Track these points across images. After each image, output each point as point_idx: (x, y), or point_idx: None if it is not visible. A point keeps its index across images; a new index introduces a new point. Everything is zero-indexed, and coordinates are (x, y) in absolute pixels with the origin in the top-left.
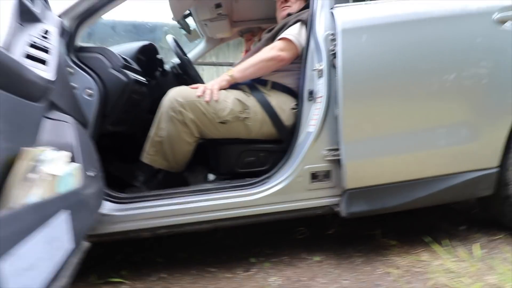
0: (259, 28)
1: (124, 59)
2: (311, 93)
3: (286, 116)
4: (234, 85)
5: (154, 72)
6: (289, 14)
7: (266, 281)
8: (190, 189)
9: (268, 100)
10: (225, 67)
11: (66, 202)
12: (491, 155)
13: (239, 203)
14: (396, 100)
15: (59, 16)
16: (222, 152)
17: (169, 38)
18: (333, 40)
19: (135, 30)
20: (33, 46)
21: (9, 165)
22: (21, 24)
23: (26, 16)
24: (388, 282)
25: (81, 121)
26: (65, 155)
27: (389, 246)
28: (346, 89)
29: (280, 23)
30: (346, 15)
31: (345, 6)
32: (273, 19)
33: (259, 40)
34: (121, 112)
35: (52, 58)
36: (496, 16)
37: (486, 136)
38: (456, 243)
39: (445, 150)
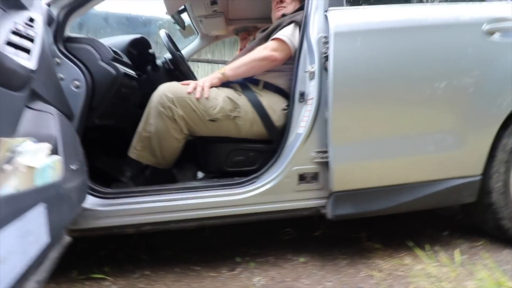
0: (254, 27)
1: (114, 51)
2: (302, 94)
3: (276, 116)
4: (226, 83)
5: (145, 67)
6: (283, 15)
7: (250, 281)
8: (177, 186)
9: (259, 100)
10: (220, 65)
11: (43, 195)
12: (475, 163)
13: (226, 202)
14: (385, 106)
15: (48, 5)
16: (211, 150)
17: (162, 33)
18: (326, 43)
19: (128, 23)
20: (16, 33)
21: None
22: (4, 11)
23: (10, 2)
24: (370, 285)
25: (66, 113)
26: (45, 147)
27: (374, 249)
28: (336, 92)
29: (275, 23)
30: (340, 18)
31: (339, 9)
32: (268, 19)
33: (254, 39)
34: (109, 106)
35: (35, 47)
36: (485, 27)
37: (471, 144)
38: (439, 248)
39: (431, 157)
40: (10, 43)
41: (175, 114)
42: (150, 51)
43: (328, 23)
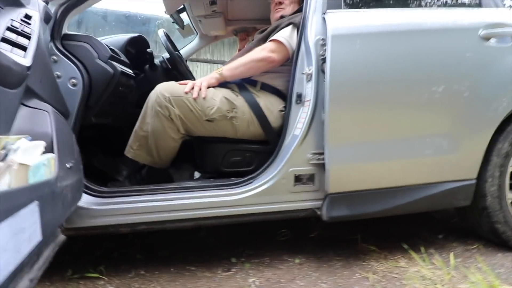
0: (253, 28)
1: (112, 50)
2: (299, 96)
3: (273, 117)
4: (223, 84)
5: (143, 66)
6: (282, 16)
7: (245, 282)
8: (173, 186)
9: (256, 100)
10: (219, 65)
11: (37, 193)
12: (470, 167)
13: (222, 202)
14: (381, 109)
15: (46, 2)
16: (208, 150)
17: (160, 32)
18: (324, 45)
19: (127, 21)
20: (12, 30)
21: None
22: (1, 7)
23: None
24: (365, 287)
25: (62, 111)
26: (40, 144)
27: (369, 251)
28: (333, 94)
29: (273, 24)
30: (337, 21)
31: (337, 12)
32: (268, 20)
33: (253, 40)
34: (106, 104)
35: (30, 44)
36: (481, 32)
37: (466, 148)
38: (434, 251)
39: (426, 160)
40: (5, 40)
41: (172, 114)
42: (148, 50)
43: (326, 25)
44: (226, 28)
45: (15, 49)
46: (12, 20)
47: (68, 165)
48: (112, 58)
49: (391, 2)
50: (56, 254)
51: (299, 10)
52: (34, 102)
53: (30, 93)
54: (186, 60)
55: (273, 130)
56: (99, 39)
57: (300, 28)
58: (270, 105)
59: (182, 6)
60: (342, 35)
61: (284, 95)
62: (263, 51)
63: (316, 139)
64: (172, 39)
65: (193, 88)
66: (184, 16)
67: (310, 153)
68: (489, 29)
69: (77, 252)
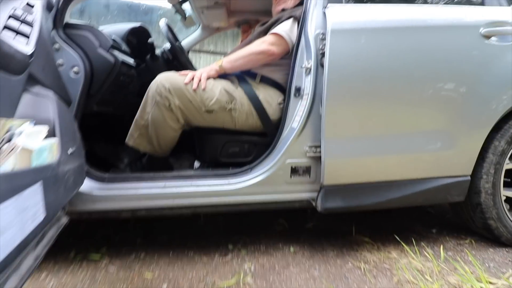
0: (256, 20)
1: (113, 39)
2: (298, 89)
3: (272, 110)
4: (223, 75)
5: (144, 56)
6: (283, 9)
7: (241, 267)
8: (172, 174)
9: (255, 93)
10: (222, 57)
11: (40, 175)
12: (466, 164)
13: (220, 191)
14: (379, 104)
15: None
16: (207, 141)
17: (162, 23)
18: (323, 39)
19: (129, 10)
20: (14, 18)
21: None
22: None
23: None
24: (356, 276)
25: (64, 98)
26: (42, 129)
27: (362, 243)
28: (331, 88)
29: (274, 17)
30: (338, 16)
31: (338, 6)
32: (270, 12)
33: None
34: (107, 93)
35: (33, 32)
36: (483, 30)
37: (462, 145)
38: (426, 244)
39: (422, 155)
40: (8, 28)
41: (172, 104)
42: (149, 40)
43: (326, 20)
44: (228, 20)
45: (18, 36)
46: (15, 8)
47: (69, 150)
48: (113, 47)
49: None
50: (59, 235)
51: (301, 3)
52: (37, 89)
53: (33, 80)
54: (188, 51)
55: (271, 123)
56: (101, 27)
57: (301, 21)
58: (269, 97)
59: None
60: (341, 30)
61: (283, 88)
62: (263, 44)
63: (313, 132)
64: (174, 29)
65: (193, 79)
66: (186, 6)
67: (307, 146)
68: (490, 27)
69: (80, 235)
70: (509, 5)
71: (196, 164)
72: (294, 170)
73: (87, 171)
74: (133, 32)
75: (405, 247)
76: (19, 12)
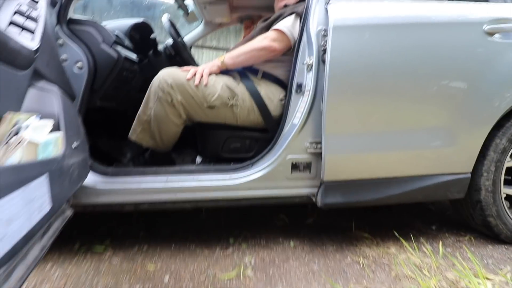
0: (259, 16)
1: (116, 35)
2: (299, 86)
3: (274, 106)
4: (225, 71)
5: (147, 51)
6: (286, 5)
7: (241, 260)
8: (175, 169)
9: (257, 89)
10: (225, 52)
11: (45, 168)
12: (466, 161)
13: (221, 186)
14: (380, 100)
15: None
16: (208, 136)
17: (164, 18)
18: (325, 36)
19: (132, 6)
20: (19, 13)
21: None
22: None
23: None
24: (354, 270)
25: (68, 93)
26: (48, 123)
27: (362, 238)
28: (332, 85)
29: (276, 13)
30: (340, 12)
31: (341, 3)
32: (273, 8)
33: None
34: (110, 88)
35: (38, 27)
36: (486, 27)
37: (463, 142)
38: (425, 240)
39: (422, 152)
40: (14, 24)
41: (174, 100)
42: (152, 36)
43: (328, 16)
44: (231, 15)
45: (23, 32)
46: (20, 3)
47: (74, 144)
48: (116, 43)
49: None
50: (64, 227)
51: None
52: (42, 84)
53: (38, 75)
54: (190, 47)
55: (273, 119)
56: (104, 23)
57: (303, 18)
58: (271, 93)
59: None
60: (343, 27)
61: (284, 84)
62: (265, 40)
63: (314, 129)
64: (177, 25)
65: (195, 75)
66: (189, 1)
67: (308, 142)
68: (494, 24)
69: (84, 227)
70: None
71: (198, 159)
72: (295, 166)
73: (91, 165)
74: (135, 27)
75: (404, 243)
76: (24, 8)
